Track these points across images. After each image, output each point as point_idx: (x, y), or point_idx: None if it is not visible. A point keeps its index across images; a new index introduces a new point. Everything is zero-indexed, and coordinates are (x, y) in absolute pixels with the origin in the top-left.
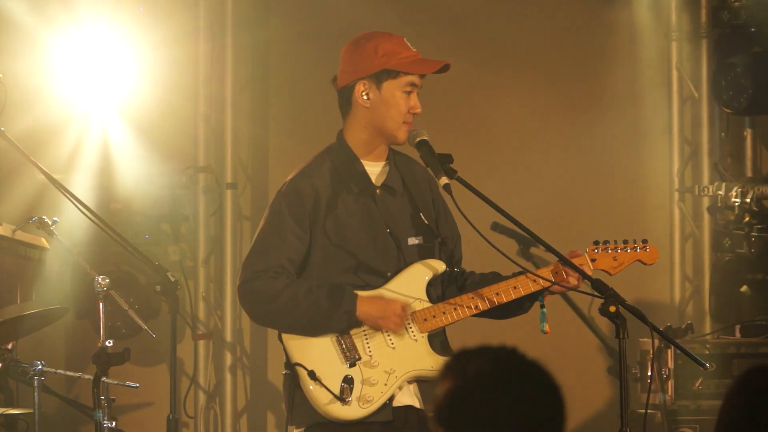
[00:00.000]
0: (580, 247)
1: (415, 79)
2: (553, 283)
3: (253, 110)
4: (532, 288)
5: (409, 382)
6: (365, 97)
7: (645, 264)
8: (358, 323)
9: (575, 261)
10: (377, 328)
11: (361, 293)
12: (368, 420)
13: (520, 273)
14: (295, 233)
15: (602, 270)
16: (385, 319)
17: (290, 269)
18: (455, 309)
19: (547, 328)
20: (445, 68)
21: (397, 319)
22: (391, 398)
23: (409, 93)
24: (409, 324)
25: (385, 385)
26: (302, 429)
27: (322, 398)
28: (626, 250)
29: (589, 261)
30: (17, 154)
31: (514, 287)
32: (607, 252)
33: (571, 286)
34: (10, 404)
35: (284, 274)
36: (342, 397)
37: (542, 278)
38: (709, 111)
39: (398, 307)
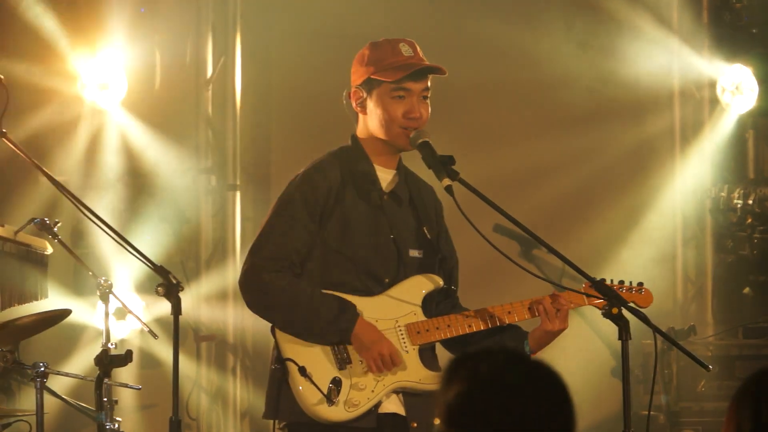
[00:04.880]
0: (581, 258)
1: (404, 84)
2: (564, 289)
3: (256, 112)
4: (527, 315)
5: (396, 392)
6: (360, 106)
7: (639, 307)
8: (348, 341)
9: (572, 294)
10: (360, 354)
11: (360, 304)
12: (353, 425)
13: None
14: (306, 225)
15: (594, 306)
16: (370, 351)
17: (297, 263)
18: (449, 326)
19: None
20: (429, 70)
21: (378, 359)
22: (377, 405)
23: (400, 98)
24: (401, 334)
25: (372, 391)
26: (284, 424)
27: (309, 397)
28: (621, 290)
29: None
30: (20, 156)
31: (509, 312)
32: None
33: (549, 328)
34: (12, 406)
35: (291, 269)
36: (329, 398)
37: (573, 290)
38: (710, 112)
39: (387, 350)
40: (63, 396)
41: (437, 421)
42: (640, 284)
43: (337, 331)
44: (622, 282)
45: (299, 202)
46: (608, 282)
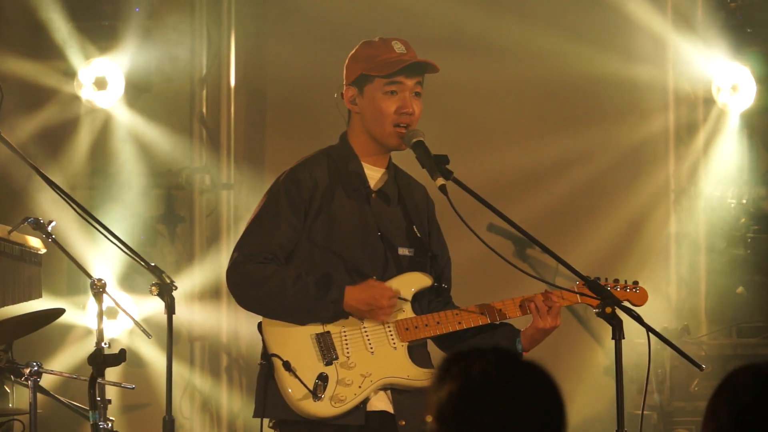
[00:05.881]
0: (574, 256)
1: (396, 78)
2: (554, 288)
3: (250, 111)
4: (518, 313)
5: (384, 389)
6: (354, 103)
7: (634, 305)
8: (344, 314)
9: (564, 292)
10: (365, 316)
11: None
12: (340, 422)
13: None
14: (290, 221)
15: (588, 305)
16: (373, 311)
17: (281, 257)
18: (438, 323)
19: None
20: (421, 65)
21: (387, 310)
22: (365, 402)
23: (392, 93)
24: (390, 331)
25: (360, 387)
26: (272, 422)
27: (295, 392)
28: (616, 289)
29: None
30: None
31: (500, 309)
32: None
33: (541, 326)
34: (5, 405)
35: (274, 261)
36: (315, 393)
37: (565, 289)
38: (704, 112)
39: (386, 297)
40: (56, 395)
41: (429, 419)
42: (635, 282)
43: (329, 303)
44: (617, 280)
45: (284, 199)
46: (603, 281)
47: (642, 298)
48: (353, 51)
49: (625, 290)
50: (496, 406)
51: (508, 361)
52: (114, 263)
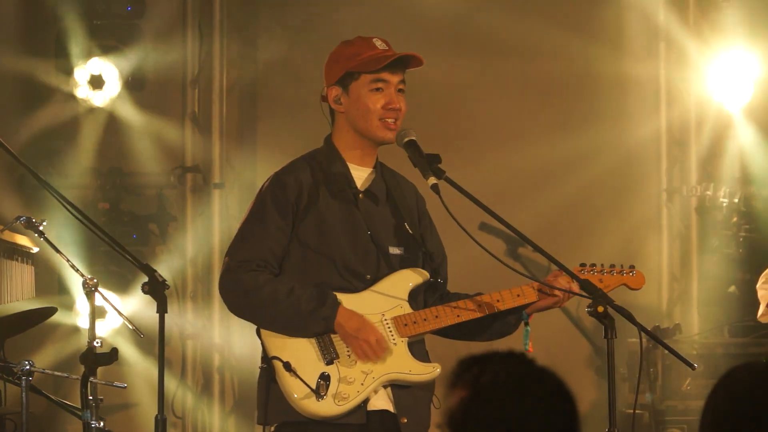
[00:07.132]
0: (566, 255)
1: (382, 75)
2: (544, 284)
3: (241, 110)
4: (515, 303)
5: (384, 386)
6: (338, 103)
7: (631, 288)
8: (333, 331)
9: (561, 278)
10: (346, 343)
11: (344, 300)
12: (342, 421)
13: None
14: (279, 225)
15: (583, 296)
16: (356, 339)
17: (273, 262)
18: (437, 317)
19: (530, 346)
20: (407, 59)
21: (365, 346)
22: (366, 401)
23: (378, 90)
24: (389, 327)
25: (362, 384)
26: (273, 427)
27: (297, 393)
28: (612, 274)
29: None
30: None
31: (498, 300)
32: (593, 274)
33: (553, 303)
34: None
35: (267, 268)
36: (317, 392)
37: (544, 284)
38: (697, 110)
39: (373, 336)
40: (48, 394)
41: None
42: (632, 266)
43: (320, 320)
44: (613, 265)
45: (270, 204)
46: (599, 266)
47: (639, 281)
48: (333, 52)
49: (622, 274)
50: (507, 413)
51: (521, 368)
52: (99, 261)
